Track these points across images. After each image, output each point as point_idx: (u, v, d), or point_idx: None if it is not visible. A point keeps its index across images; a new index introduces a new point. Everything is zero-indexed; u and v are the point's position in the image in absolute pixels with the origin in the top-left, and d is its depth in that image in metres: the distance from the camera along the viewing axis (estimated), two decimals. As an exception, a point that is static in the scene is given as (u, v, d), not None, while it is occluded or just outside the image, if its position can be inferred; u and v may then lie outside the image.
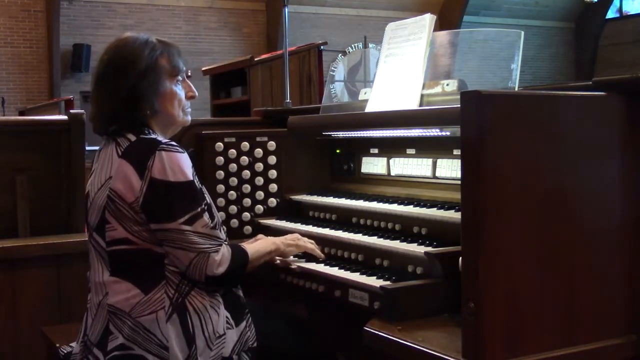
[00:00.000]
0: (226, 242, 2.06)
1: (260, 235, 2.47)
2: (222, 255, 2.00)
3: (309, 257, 2.34)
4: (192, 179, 1.99)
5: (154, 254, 1.96)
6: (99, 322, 1.99)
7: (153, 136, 2.03)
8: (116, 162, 1.98)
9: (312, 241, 2.35)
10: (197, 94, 2.22)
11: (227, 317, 2.03)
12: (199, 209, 1.98)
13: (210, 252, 1.98)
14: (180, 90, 2.14)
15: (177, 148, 1.99)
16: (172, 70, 2.11)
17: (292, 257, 2.34)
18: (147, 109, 2.06)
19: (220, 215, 2.39)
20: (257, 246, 2.22)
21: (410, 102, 2.38)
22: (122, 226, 1.96)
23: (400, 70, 2.48)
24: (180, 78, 2.14)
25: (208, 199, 2.09)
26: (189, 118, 2.20)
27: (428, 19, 2.45)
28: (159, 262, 1.97)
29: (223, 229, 2.10)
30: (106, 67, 2.09)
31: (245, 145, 2.82)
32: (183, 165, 1.97)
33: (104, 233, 1.99)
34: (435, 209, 2.19)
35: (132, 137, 2.01)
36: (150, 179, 1.93)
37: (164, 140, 2.00)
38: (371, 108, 2.53)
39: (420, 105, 2.37)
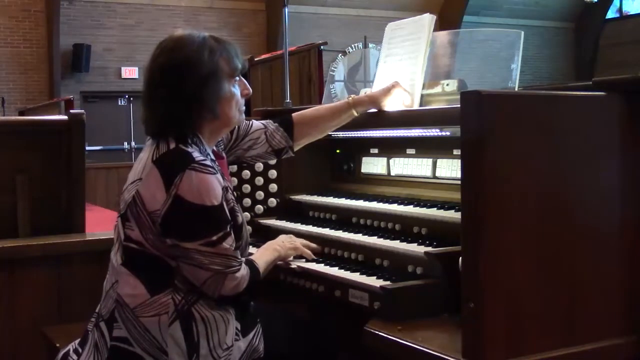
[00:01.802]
0: (243, 261, 2.02)
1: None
2: (242, 276, 1.97)
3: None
4: (217, 203, 1.90)
5: (165, 263, 1.93)
6: (109, 300, 1.97)
7: (191, 149, 1.94)
8: (148, 165, 1.93)
9: (303, 240, 2.36)
10: (251, 90, 2.14)
11: (237, 328, 2.00)
12: (220, 235, 1.91)
13: (228, 273, 1.94)
14: (237, 90, 2.07)
15: (210, 169, 1.91)
16: (231, 72, 2.04)
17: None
18: (207, 114, 2.00)
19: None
20: (263, 257, 2.19)
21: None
22: (138, 230, 1.93)
23: (400, 70, 2.48)
24: (237, 78, 2.08)
25: (241, 217, 2.06)
26: (243, 117, 2.14)
27: (428, 19, 2.45)
28: (170, 270, 1.93)
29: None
30: (161, 70, 1.98)
31: (246, 145, 2.82)
32: (211, 188, 1.89)
33: (124, 228, 1.96)
34: (435, 209, 2.19)
35: (172, 144, 1.94)
36: (174, 196, 1.87)
37: (198, 158, 1.91)
38: (371, 108, 2.53)
39: (420, 105, 2.37)
